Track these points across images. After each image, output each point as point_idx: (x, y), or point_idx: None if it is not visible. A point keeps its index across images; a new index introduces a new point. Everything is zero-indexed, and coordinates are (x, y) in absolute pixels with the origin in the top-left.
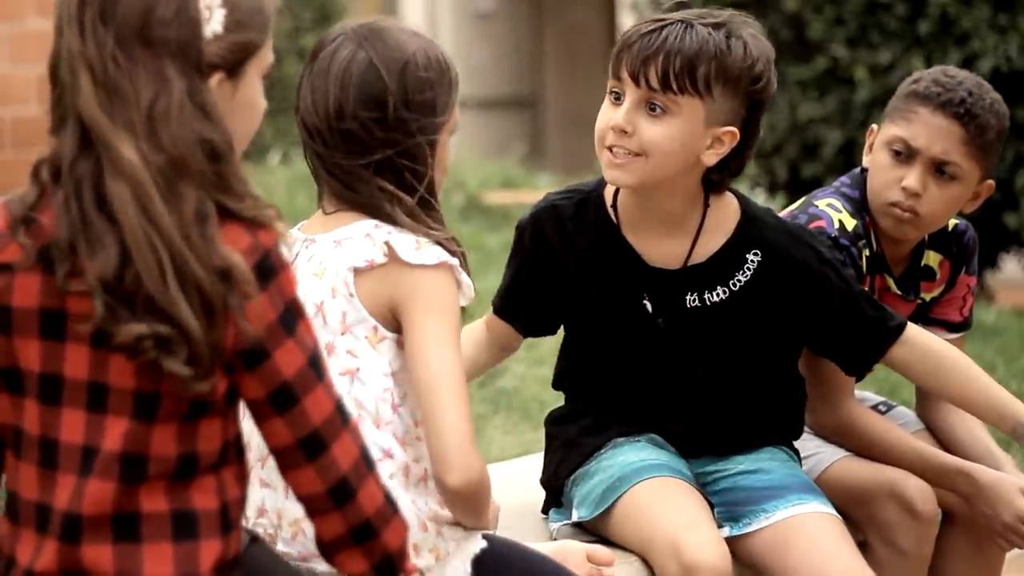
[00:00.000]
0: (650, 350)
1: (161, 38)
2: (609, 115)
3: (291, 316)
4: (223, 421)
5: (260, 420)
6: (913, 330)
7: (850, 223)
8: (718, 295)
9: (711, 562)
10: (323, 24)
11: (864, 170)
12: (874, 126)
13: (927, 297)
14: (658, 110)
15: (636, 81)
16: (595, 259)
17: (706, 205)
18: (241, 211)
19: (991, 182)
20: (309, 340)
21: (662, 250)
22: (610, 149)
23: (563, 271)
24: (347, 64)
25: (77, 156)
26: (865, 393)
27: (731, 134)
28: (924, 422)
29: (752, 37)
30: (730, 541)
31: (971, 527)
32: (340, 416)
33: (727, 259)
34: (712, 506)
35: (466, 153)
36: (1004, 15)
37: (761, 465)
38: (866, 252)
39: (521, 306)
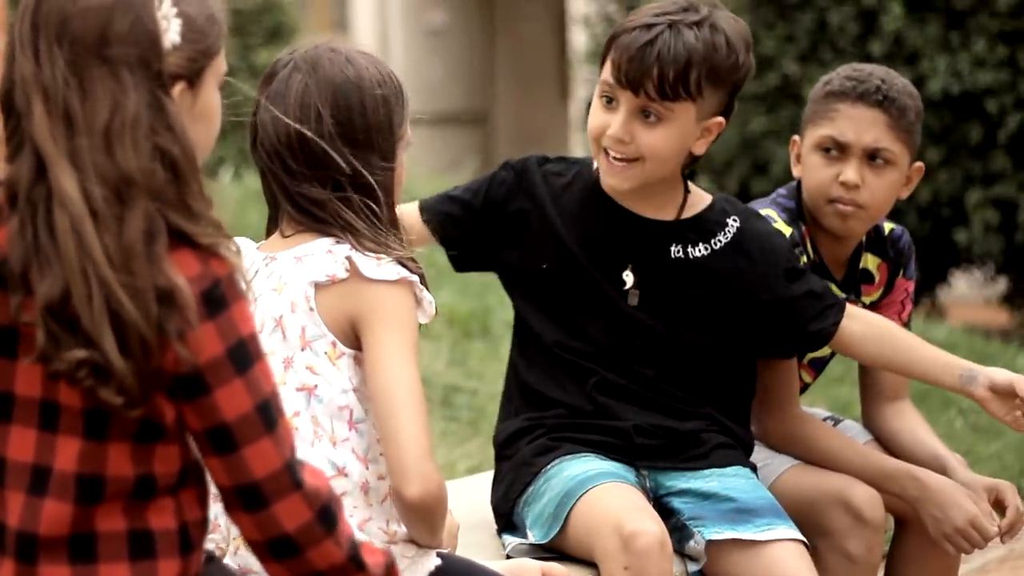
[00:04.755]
0: (613, 325)
1: (120, 54)
2: (603, 118)
3: (244, 354)
4: (181, 445)
5: (201, 453)
6: (853, 307)
7: (786, 231)
8: (700, 251)
9: (651, 529)
10: (275, 41)
11: (798, 184)
12: (795, 138)
13: (867, 300)
14: (652, 117)
15: (635, 91)
16: (584, 219)
17: (686, 189)
18: (196, 236)
19: (920, 164)
20: (264, 387)
21: (652, 211)
22: (606, 153)
23: (546, 225)
24: (303, 88)
25: (33, 183)
26: (814, 409)
27: (718, 124)
28: (871, 432)
29: (729, 24)
30: (712, 561)
31: (926, 530)
32: (290, 478)
33: (711, 218)
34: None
35: (418, 169)
36: (955, 33)
37: (728, 483)
38: (803, 259)
39: (460, 232)
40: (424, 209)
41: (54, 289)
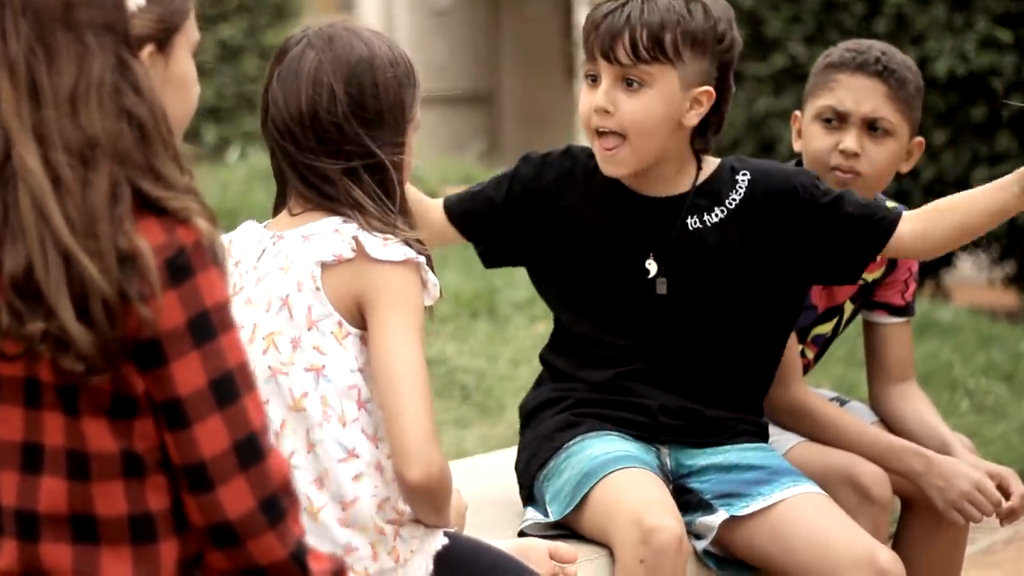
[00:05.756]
0: (643, 317)
1: (84, 18)
2: (589, 98)
3: (205, 326)
4: (156, 420)
5: (160, 430)
6: (906, 212)
7: None
8: (716, 215)
9: (670, 525)
10: (281, 21)
11: (799, 159)
12: (797, 113)
13: (869, 278)
14: (634, 84)
15: (608, 59)
16: (604, 209)
17: (699, 165)
18: (162, 200)
19: (921, 139)
20: (224, 361)
21: (665, 189)
22: (598, 134)
23: (568, 217)
24: (316, 65)
25: (3, 161)
26: (820, 390)
27: (707, 94)
28: (876, 413)
29: (711, 0)
30: (728, 528)
31: (931, 511)
32: (238, 458)
33: (721, 178)
34: (676, 498)
35: (424, 149)
36: (959, 15)
37: (750, 455)
38: None
39: (484, 229)
40: (449, 207)
41: (18, 264)
